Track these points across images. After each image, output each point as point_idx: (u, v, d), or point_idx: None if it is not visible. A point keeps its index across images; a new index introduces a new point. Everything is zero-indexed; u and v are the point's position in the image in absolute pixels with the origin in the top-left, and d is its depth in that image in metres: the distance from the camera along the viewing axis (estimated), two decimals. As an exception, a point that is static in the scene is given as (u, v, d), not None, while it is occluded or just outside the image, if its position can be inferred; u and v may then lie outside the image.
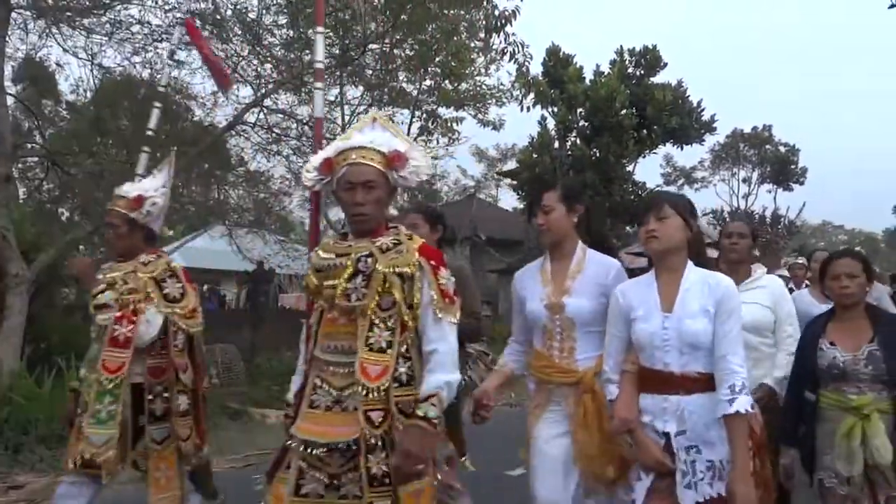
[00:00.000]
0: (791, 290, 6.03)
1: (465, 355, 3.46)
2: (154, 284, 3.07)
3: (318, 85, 2.91)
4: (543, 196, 2.77)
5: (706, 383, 2.33)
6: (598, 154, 18.16)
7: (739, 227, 3.62)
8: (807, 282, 6.09)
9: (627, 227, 18.21)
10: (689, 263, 2.45)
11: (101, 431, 2.89)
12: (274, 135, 10.04)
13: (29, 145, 10.26)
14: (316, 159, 2.45)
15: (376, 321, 2.21)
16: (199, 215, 12.84)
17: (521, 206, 20.58)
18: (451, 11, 9.87)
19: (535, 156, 18.74)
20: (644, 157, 19.65)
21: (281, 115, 9.95)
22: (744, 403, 2.22)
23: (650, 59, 19.29)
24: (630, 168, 19.38)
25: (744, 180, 34.95)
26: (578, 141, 18.73)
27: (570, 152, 18.66)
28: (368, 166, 2.31)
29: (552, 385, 2.71)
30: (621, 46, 19.41)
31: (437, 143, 12.69)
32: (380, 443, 2.18)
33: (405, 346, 2.23)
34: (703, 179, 36.21)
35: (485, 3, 9.66)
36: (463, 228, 18.24)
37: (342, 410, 2.24)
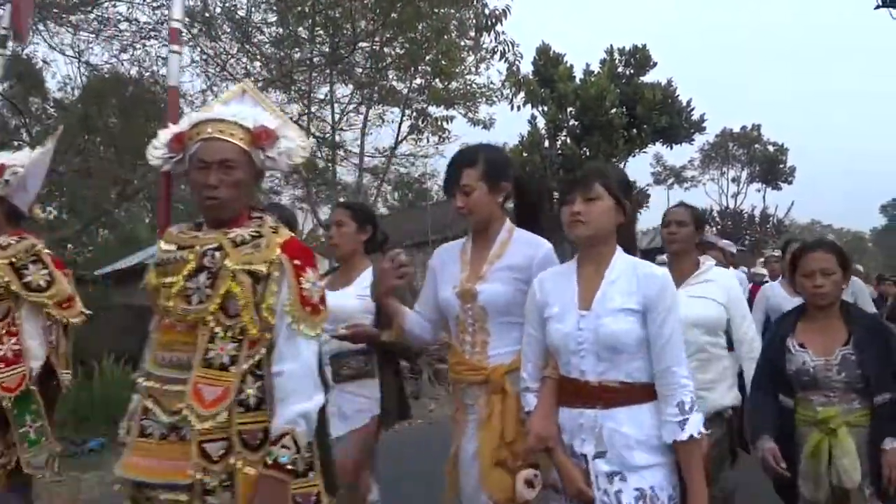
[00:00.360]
0: (765, 283, 5.96)
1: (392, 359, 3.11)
2: (12, 272, 2.60)
3: (175, 48, 2.52)
4: (462, 174, 2.33)
5: (629, 395, 1.95)
6: (588, 153, 18.22)
7: (678, 213, 3.16)
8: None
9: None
10: (618, 250, 2.06)
11: (37, 451, 2.60)
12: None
13: (16, 143, 10.18)
14: (166, 133, 2.06)
15: (219, 330, 1.81)
16: (188, 214, 12.81)
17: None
18: (442, 10, 9.88)
19: (525, 155, 18.76)
20: (634, 156, 19.77)
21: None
22: (697, 425, 1.89)
23: (640, 59, 19.41)
24: (620, 167, 19.43)
25: (733, 179, 35.25)
26: (568, 140, 18.81)
27: (560, 151, 18.74)
28: (227, 143, 1.92)
29: (464, 385, 2.37)
30: (611, 46, 19.59)
31: (428, 141, 12.73)
32: (221, 483, 1.77)
33: (257, 361, 1.84)
34: (693, 179, 36.49)
35: (475, 1, 9.69)
36: (452, 227, 18.25)
37: (180, 440, 1.80)
